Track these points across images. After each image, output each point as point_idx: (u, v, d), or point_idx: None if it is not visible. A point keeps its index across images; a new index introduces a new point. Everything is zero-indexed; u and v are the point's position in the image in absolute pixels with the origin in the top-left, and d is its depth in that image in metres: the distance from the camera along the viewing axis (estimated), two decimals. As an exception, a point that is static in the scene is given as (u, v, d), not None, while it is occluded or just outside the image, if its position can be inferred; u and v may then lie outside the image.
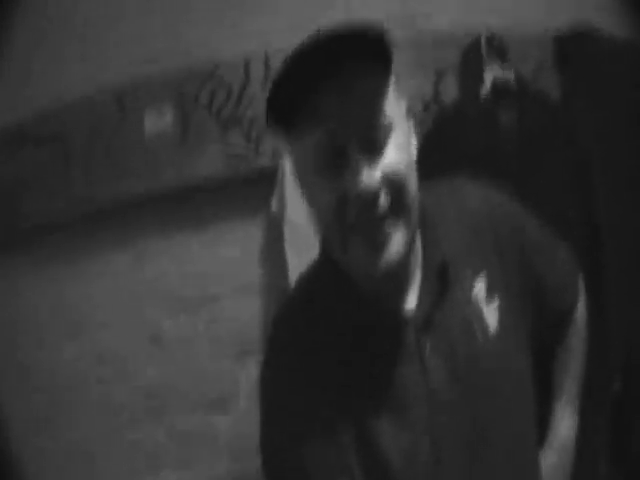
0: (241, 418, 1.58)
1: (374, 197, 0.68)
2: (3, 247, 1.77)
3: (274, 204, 1.58)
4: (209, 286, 1.64)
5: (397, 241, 0.70)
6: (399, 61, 0.74)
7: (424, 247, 0.78)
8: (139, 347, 1.67)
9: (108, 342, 1.70)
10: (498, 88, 1.48)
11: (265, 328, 1.59)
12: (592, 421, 1.04)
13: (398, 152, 0.70)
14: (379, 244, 0.70)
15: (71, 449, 1.71)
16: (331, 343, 0.76)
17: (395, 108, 0.72)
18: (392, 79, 0.73)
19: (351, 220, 0.69)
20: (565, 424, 0.92)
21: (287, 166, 1.53)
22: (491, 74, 1.50)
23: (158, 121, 1.67)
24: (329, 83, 0.67)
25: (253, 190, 1.63)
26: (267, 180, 1.58)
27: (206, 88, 1.65)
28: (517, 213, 0.88)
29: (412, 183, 0.72)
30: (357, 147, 0.68)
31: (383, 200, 0.69)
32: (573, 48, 1.55)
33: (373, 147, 0.69)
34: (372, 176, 0.67)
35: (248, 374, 1.58)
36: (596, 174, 1.42)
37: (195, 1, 1.70)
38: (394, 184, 0.69)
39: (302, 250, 1.49)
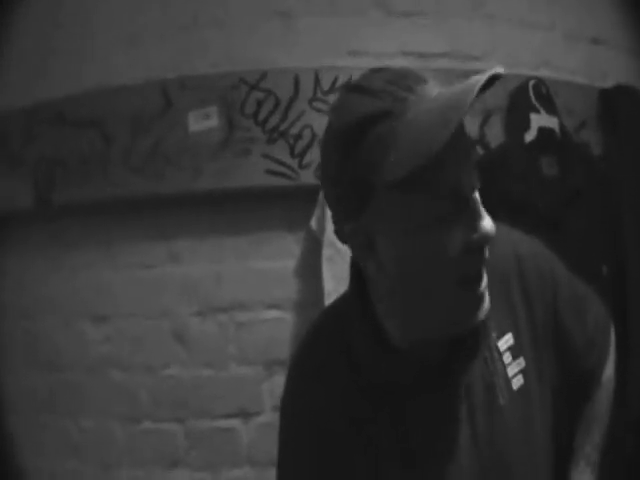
0: (263, 429, 1.61)
1: (487, 243, 0.68)
2: (37, 225, 1.79)
3: (314, 223, 1.60)
4: (240, 294, 1.66)
5: (487, 296, 0.71)
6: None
7: None
8: (163, 342, 1.69)
9: (133, 332, 1.72)
10: (543, 136, 1.52)
11: (294, 344, 1.62)
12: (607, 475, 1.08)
13: None
14: (480, 297, 0.70)
15: (84, 431, 1.74)
16: (351, 385, 0.76)
17: None
18: None
19: (467, 270, 0.68)
20: None
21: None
22: (537, 121, 1.54)
23: (203, 121, 1.67)
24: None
25: (292, 205, 1.64)
26: (307, 197, 1.60)
27: (253, 96, 1.64)
28: (550, 266, 0.86)
29: None
30: (471, 193, 0.67)
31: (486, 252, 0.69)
32: (618, 102, 1.60)
33: (476, 193, 0.69)
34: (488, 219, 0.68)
35: (273, 385, 1.61)
36: (629, 231, 1.48)
37: (248, 10, 1.70)
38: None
39: (338, 274, 1.53)
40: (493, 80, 0.63)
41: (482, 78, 0.62)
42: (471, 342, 0.76)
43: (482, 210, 0.67)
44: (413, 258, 0.69)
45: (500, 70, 0.63)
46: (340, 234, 0.75)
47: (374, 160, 0.65)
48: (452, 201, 0.65)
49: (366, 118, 0.65)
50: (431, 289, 0.70)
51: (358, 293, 0.79)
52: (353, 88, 0.70)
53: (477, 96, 0.62)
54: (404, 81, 0.66)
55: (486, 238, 0.67)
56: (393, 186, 0.65)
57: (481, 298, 0.70)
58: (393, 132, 0.64)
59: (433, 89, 0.67)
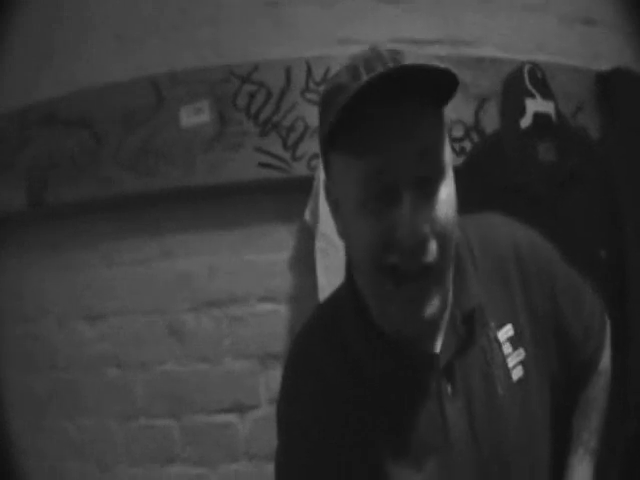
0: (260, 422, 1.60)
1: (423, 243, 0.66)
2: (31, 226, 1.79)
3: (307, 215, 1.58)
4: (235, 288, 1.65)
5: (438, 295, 0.70)
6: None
7: (454, 293, 0.78)
8: (158, 338, 1.68)
9: (128, 329, 1.71)
10: (539, 121, 1.50)
11: (289, 337, 1.61)
12: (606, 462, 1.04)
13: (447, 201, 0.69)
14: (423, 296, 0.69)
15: (83, 429, 1.74)
16: (348, 383, 0.76)
17: (448, 155, 0.71)
18: (446, 124, 0.72)
19: (395, 264, 0.67)
20: (581, 476, 0.89)
21: (322, 179, 1.54)
22: (533, 106, 1.52)
23: (194, 116, 1.66)
24: (390, 115, 0.66)
25: (285, 197, 1.63)
26: (301, 189, 1.58)
27: (244, 89, 1.63)
28: (547, 257, 0.86)
29: (454, 236, 0.71)
30: (411, 187, 0.66)
31: (432, 249, 0.67)
32: (615, 85, 1.57)
33: (426, 191, 0.67)
34: (424, 220, 0.66)
35: (269, 378, 1.60)
36: (627, 215, 1.45)
37: (238, 2, 1.68)
38: (441, 234, 0.68)
39: (331, 267, 1.51)
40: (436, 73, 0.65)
41: (391, 66, 0.65)
42: (465, 330, 0.76)
43: (418, 213, 0.65)
44: (349, 233, 0.72)
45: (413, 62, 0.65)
46: (327, 195, 0.79)
47: (324, 125, 0.72)
48: (381, 185, 0.66)
49: (331, 89, 0.71)
50: (365, 276, 0.72)
51: (351, 282, 0.79)
52: (348, 64, 0.74)
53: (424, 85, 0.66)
54: (373, 63, 0.67)
55: (409, 240, 0.65)
56: (333, 149, 0.71)
57: (423, 297, 0.69)
58: (338, 103, 0.67)
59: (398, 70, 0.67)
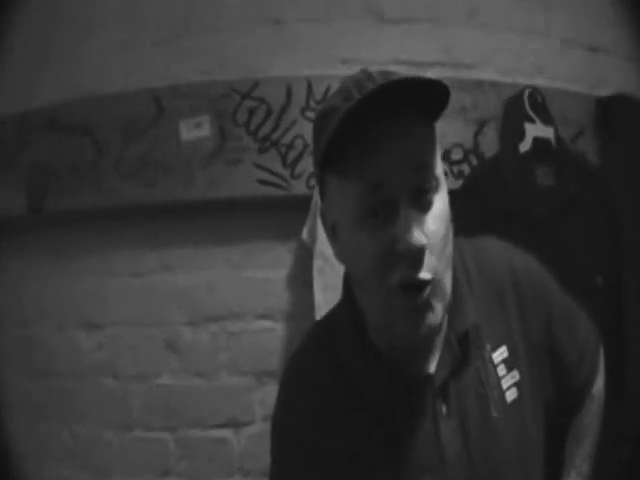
0: (254, 439, 1.61)
1: (421, 256, 0.67)
2: (30, 232, 1.80)
3: (305, 234, 1.59)
4: (232, 304, 1.65)
5: (440, 305, 0.70)
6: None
7: (449, 314, 0.78)
8: (155, 351, 1.69)
9: (126, 340, 1.72)
10: (538, 146, 1.50)
11: (285, 355, 1.62)
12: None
13: (442, 214, 0.70)
14: (422, 309, 0.69)
15: (77, 437, 1.75)
16: (343, 401, 0.77)
17: (440, 169, 0.72)
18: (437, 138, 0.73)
19: (395, 278, 0.68)
20: None
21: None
22: (532, 131, 1.52)
23: (194, 130, 1.66)
24: (384, 131, 0.67)
25: (284, 215, 1.63)
26: (299, 207, 1.59)
27: (244, 105, 1.63)
28: (544, 282, 0.87)
29: (450, 249, 0.72)
30: (408, 201, 0.67)
31: (429, 262, 0.68)
32: (615, 111, 1.57)
33: (422, 203, 0.69)
34: (422, 233, 0.67)
35: (265, 395, 1.60)
36: (627, 241, 1.45)
37: (241, 17, 1.68)
38: (436, 247, 0.69)
39: (328, 285, 1.52)
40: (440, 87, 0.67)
41: (381, 82, 0.66)
42: (460, 351, 0.77)
43: (417, 225, 0.67)
44: (348, 252, 0.73)
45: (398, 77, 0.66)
46: (321, 217, 0.80)
47: (318, 147, 0.72)
48: (378, 200, 0.67)
49: (324, 111, 0.72)
50: (368, 290, 0.72)
51: (349, 301, 0.80)
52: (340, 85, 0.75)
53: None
54: (364, 82, 0.69)
55: (409, 252, 0.66)
56: (328, 172, 0.72)
57: (423, 310, 0.69)
58: (331, 124, 0.68)
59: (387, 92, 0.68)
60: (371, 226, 0.68)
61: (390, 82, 0.65)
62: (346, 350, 0.78)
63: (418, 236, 0.66)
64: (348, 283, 0.81)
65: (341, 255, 0.76)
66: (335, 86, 1.54)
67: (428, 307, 0.69)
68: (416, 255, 0.67)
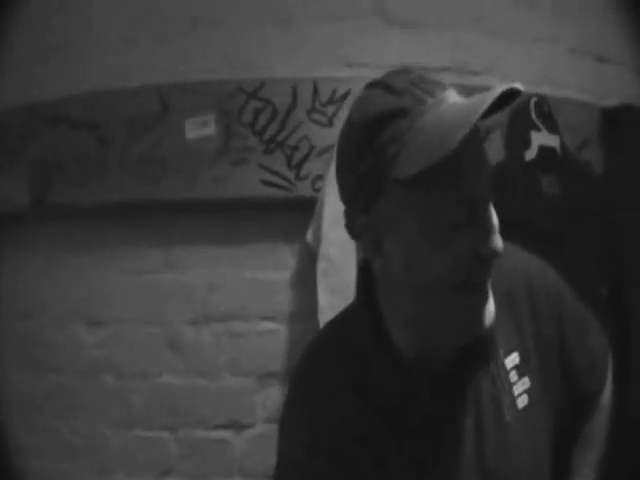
0: (255, 441, 1.61)
1: (495, 259, 0.69)
2: (33, 226, 1.78)
3: (309, 236, 1.59)
4: (236, 304, 1.65)
5: (490, 308, 0.72)
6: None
7: None
8: (157, 350, 1.69)
9: (128, 337, 1.71)
10: (544, 154, 1.51)
11: (288, 357, 1.62)
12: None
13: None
14: (482, 304, 0.71)
15: (77, 434, 1.74)
16: (357, 399, 0.77)
17: None
18: None
19: (464, 277, 0.69)
20: None
21: (326, 200, 1.54)
22: (538, 139, 1.53)
23: (200, 129, 1.66)
24: (468, 139, 0.63)
25: (288, 217, 1.63)
26: (304, 209, 1.59)
27: (250, 105, 1.62)
28: (558, 287, 0.87)
29: None
30: (487, 206, 0.69)
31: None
32: (620, 120, 1.58)
33: (491, 207, 0.70)
34: (499, 238, 0.69)
35: (266, 397, 1.61)
36: (630, 251, 1.47)
37: (248, 16, 1.67)
38: None
39: (333, 288, 1.53)
40: (514, 95, 0.64)
41: (499, 90, 0.62)
42: (480, 351, 0.77)
43: (495, 225, 0.69)
44: (419, 261, 0.69)
45: (518, 86, 0.63)
46: (351, 228, 0.75)
47: (389, 155, 0.66)
48: (467, 209, 0.67)
49: (385, 113, 0.67)
50: (433, 294, 0.71)
51: (367, 302, 0.80)
52: (376, 84, 0.72)
53: (497, 110, 0.64)
54: (425, 84, 0.68)
55: (494, 253, 0.68)
56: (405, 183, 0.66)
57: (484, 307, 0.71)
58: (410, 130, 0.65)
59: (452, 96, 0.69)
60: (459, 233, 0.67)
61: (506, 90, 0.62)
62: (366, 351, 0.78)
63: (498, 241, 0.68)
64: (368, 288, 0.80)
65: (386, 266, 0.73)
66: (341, 88, 1.58)
67: (484, 306, 0.71)
68: (492, 258, 0.69)
